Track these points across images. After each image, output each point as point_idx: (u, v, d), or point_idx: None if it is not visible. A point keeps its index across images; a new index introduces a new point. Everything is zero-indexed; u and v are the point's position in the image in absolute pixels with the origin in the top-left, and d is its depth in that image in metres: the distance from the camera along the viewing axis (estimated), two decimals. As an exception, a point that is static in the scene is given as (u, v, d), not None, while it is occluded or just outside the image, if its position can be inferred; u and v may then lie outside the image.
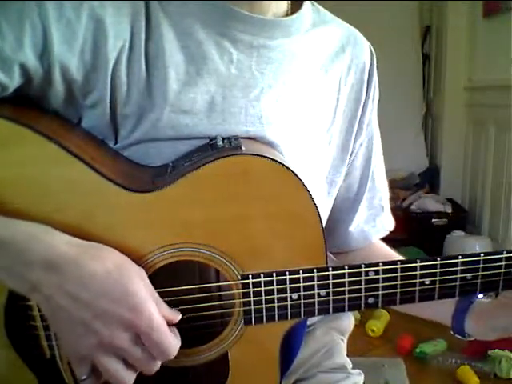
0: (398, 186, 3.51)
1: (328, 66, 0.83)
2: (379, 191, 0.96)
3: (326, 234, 0.88)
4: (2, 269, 0.60)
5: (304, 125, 0.81)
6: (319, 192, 0.86)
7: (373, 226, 0.97)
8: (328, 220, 0.91)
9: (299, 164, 0.78)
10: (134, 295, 0.60)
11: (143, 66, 0.70)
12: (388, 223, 0.99)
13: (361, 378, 0.99)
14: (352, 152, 0.91)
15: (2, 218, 0.61)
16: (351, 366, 1.00)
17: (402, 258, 0.92)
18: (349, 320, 1.05)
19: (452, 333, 0.83)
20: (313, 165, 0.83)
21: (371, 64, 0.89)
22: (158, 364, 0.63)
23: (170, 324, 0.64)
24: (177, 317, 0.65)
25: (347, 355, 1.02)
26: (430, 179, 3.78)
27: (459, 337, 0.82)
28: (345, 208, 0.95)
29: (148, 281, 0.64)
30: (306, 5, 0.80)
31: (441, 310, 0.83)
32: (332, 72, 0.84)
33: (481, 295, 0.80)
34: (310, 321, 0.94)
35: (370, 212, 0.96)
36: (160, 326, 0.61)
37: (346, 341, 1.05)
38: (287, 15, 0.78)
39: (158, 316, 0.61)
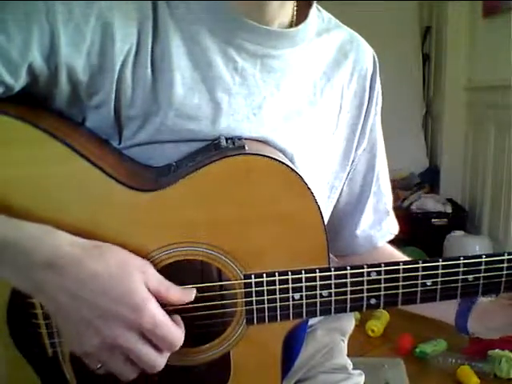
0: (398, 186, 3.51)
1: (330, 73, 0.84)
2: (384, 195, 0.96)
3: (331, 239, 0.88)
4: (7, 269, 0.61)
5: (306, 131, 0.81)
6: (320, 196, 0.86)
7: (378, 230, 0.97)
8: (333, 224, 0.91)
9: (302, 169, 0.79)
10: (135, 295, 0.60)
11: (149, 70, 0.70)
12: (393, 227, 0.99)
13: (361, 379, 0.99)
14: (354, 158, 0.91)
15: (7, 219, 0.61)
16: (352, 366, 1.00)
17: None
18: (349, 320, 1.05)
19: (457, 330, 0.84)
20: (315, 170, 0.83)
21: (374, 71, 0.89)
22: (165, 358, 0.64)
23: (184, 304, 0.65)
24: (190, 295, 0.66)
25: (347, 355, 1.02)
26: (430, 179, 3.79)
27: (464, 335, 0.83)
28: (349, 212, 0.95)
29: (153, 271, 0.64)
30: (312, 14, 0.80)
31: (445, 310, 0.84)
32: (335, 79, 0.84)
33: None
34: (310, 321, 0.94)
35: (375, 216, 0.96)
36: (162, 321, 0.62)
37: (346, 341, 1.05)
38: (292, 24, 0.79)
39: (159, 312, 0.62)
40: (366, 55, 0.88)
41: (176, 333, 0.63)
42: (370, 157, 0.93)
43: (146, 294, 0.61)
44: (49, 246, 0.60)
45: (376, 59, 0.90)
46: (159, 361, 0.63)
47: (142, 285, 0.61)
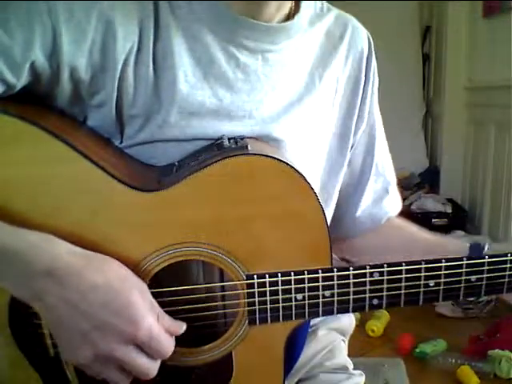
0: (398, 186, 3.50)
1: (326, 59, 0.84)
2: (383, 175, 0.97)
3: (335, 221, 0.88)
4: (6, 277, 0.61)
5: (306, 120, 0.82)
6: (320, 180, 0.87)
7: (380, 208, 0.97)
8: (336, 206, 0.92)
9: (304, 159, 0.80)
10: (134, 307, 0.60)
11: (151, 68, 0.70)
12: (396, 204, 1.00)
13: (362, 379, 0.99)
14: (354, 142, 0.91)
15: (5, 226, 0.61)
16: (352, 366, 1.00)
17: (423, 232, 0.95)
18: (350, 320, 1.05)
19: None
20: (316, 158, 0.84)
21: (369, 52, 0.90)
22: (157, 365, 0.64)
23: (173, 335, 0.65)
24: (180, 328, 0.66)
25: (347, 355, 1.02)
26: (430, 179, 3.78)
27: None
28: (350, 193, 0.95)
29: (149, 293, 0.64)
30: (304, 5, 0.80)
31: None
32: (330, 64, 0.84)
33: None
34: (312, 321, 0.93)
35: (375, 196, 0.96)
36: (158, 333, 0.62)
37: (347, 341, 1.05)
38: (289, 16, 0.79)
39: (155, 325, 0.62)
40: (361, 36, 0.89)
41: (169, 344, 0.64)
42: (368, 138, 0.94)
43: (144, 308, 0.61)
44: (49, 254, 0.60)
45: (371, 40, 0.90)
46: (152, 369, 0.64)
47: (141, 299, 0.62)
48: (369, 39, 0.90)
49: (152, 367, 0.63)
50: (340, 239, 0.99)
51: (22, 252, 0.59)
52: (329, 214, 0.91)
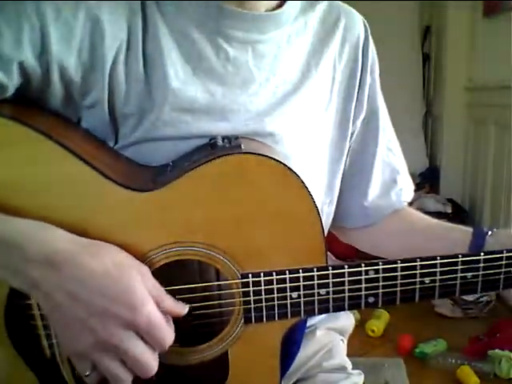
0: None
1: (321, 47, 0.83)
2: (389, 164, 0.95)
3: (342, 212, 0.89)
4: (3, 267, 0.61)
5: (303, 111, 0.81)
6: (322, 171, 0.87)
7: (387, 199, 0.95)
8: (341, 197, 0.92)
9: (305, 151, 0.80)
10: (133, 293, 0.60)
11: (141, 66, 0.70)
12: (405, 194, 0.97)
13: (361, 378, 0.99)
14: (353, 130, 0.90)
15: (1, 216, 0.61)
16: (351, 366, 1.00)
17: (426, 219, 0.95)
18: (349, 320, 1.05)
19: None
20: (318, 149, 0.84)
21: (365, 38, 0.89)
22: (157, 360, 0.63)
23: (176, 317, 0.65)
24: (183, 310, 0.65)
25: (347, 355, 1.02)
26: (430, 179, 3.77)
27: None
28: (355, 184, 0.94)
29: (150, 275, 0.64)
30: None
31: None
32: (326, 52, 0.84)
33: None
34: (310, 321, 0.94)
35: (382, 187, 0.95)
36: (158, 322, 0.61)
37: (346, 341, 1.05)
38: (281, 5, 0.78)
39: (156, 313, 0.61)
40: (357, 23, 0.88)
41: (168, 333, 0.63)
42: (370, 126, 0.92)
43: (144, 293, 0.61)
44: (45, 241, 0.60)
45: (367, 26, 0.89)
46: (152, 362, 0.62)
47: (141, 284, 0.61)
48: (365, 26, 0.89)
49: (151, 359, 0.62)
50: (349, 229, 0.99)
51: (18, 240, 0.59)
52: (333, 204, 0.91)
